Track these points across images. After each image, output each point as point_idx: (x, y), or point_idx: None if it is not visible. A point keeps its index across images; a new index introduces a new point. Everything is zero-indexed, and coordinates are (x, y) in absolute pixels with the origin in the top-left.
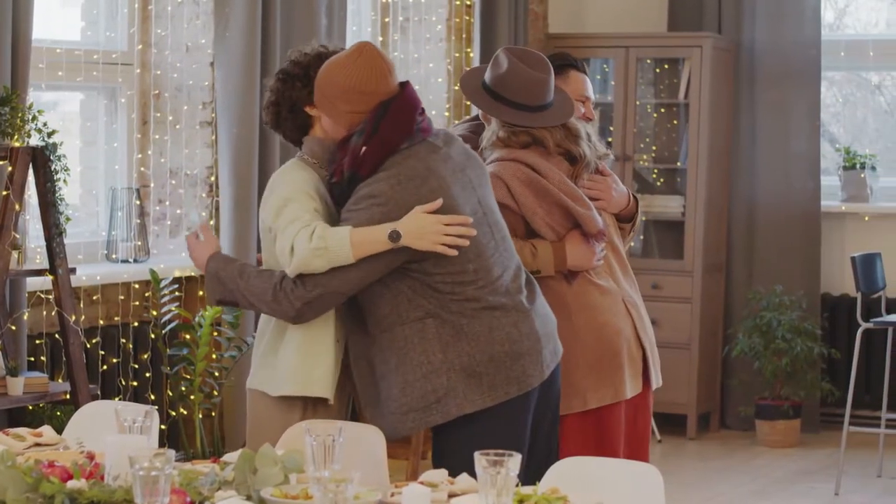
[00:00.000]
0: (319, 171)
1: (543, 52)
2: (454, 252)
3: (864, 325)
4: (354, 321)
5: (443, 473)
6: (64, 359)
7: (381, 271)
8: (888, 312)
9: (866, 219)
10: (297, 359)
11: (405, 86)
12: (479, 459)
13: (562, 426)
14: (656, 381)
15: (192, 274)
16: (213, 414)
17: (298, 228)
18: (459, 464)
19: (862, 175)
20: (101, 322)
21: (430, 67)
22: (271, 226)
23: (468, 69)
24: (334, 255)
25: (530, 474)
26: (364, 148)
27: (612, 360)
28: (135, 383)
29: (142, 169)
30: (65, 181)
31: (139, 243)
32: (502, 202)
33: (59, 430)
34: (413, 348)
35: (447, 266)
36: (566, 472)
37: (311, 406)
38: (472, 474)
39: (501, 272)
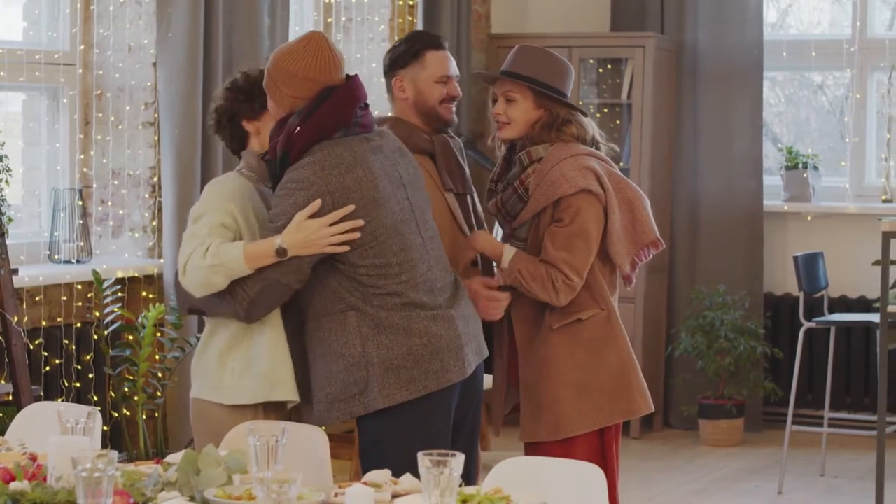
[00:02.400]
0: (257, 185)
1: (486, 54)
2: (345, 248)
3: (806, 325)
4: (294, 313)
5: (386, 474)
6: (6, 360)
7: (312, 260)
8: (830, 312)
9: (808, 218)
10: (263, 366)
11: (352, 78)
12: (423, 459)
13: (608, 437)
14: None
15: (135, 275)
16: (157, 415)
17: (194, 247)
18: (380, 458)
19: (804, 175)
20: (44, 323)
21: (372, 67)
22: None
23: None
24: (230, 270)
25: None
26: (298, 129)
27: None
28: (78, 384)
29: (84, 169)
30: (7, 182)
31: (82, 244)
32: (592, 190)
33: (2, 432)
34: (335, 339)
35: (372, 258)
36: (509, 472)
37: (262, 410)
38: (395, 469)
39: (426, 270)
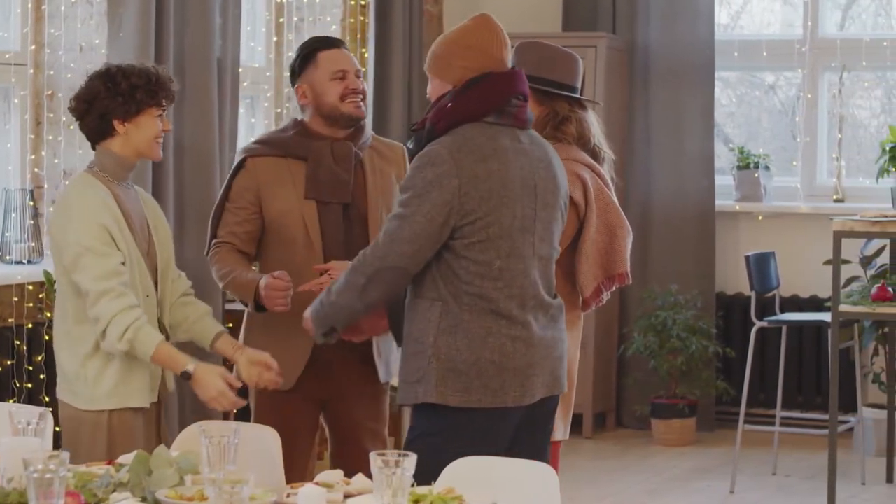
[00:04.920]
0: (109, 185)
1: None
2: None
3: (758, 324)
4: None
5: (338, 474)
6: None
7: (432, 247)
8: (782, 311)
9: (760, 218)
10: (115, 373)
11: (513, 70)
12: (375, 459)
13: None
14: None
15: None
16: None
17: (114, 313)
18: (426, 451)
19: (756, 175)
20: None
21: None
22: (69, 272)
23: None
24: (139, 354)
25: None
26: (450, 104)
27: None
28: (29, 385)
29: (35, 170)
30: None
31: (33, 244)
32: (572, 198)
33: None
34: (417, 323)
35: (476, 254)
36: (462, 472)
37: (116, 413)
38: (435, 464)
39: (527, 283)
